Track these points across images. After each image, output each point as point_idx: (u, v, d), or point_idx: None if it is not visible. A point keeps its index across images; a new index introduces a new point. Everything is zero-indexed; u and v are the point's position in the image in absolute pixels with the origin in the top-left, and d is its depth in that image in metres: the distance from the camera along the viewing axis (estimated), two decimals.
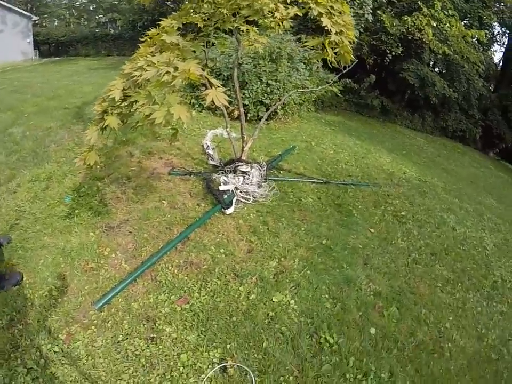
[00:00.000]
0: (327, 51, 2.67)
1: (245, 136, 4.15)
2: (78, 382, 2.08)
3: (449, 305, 3.30)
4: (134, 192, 3.83)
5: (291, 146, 5.99)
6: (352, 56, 2.88)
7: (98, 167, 2.76)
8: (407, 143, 9.87)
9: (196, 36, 2.84)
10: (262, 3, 2.40)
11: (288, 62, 7.02)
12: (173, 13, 2.98)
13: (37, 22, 24.38)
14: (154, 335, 2.38)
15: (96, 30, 25.31)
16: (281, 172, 4.93)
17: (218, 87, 2.07)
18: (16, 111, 6.65)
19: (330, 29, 2.50)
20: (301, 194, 4.36)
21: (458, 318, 3.17)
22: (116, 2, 26.61)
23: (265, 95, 6.68)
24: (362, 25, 9.51)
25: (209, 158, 4.76)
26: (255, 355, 2.36)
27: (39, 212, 3.46)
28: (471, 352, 2.87)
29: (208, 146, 5.05)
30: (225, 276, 2.92)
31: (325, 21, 2.46)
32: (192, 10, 2.86)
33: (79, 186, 3.88)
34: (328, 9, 2.47)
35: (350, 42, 2.72)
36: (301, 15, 2.52)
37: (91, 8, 30.09)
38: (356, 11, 8.96)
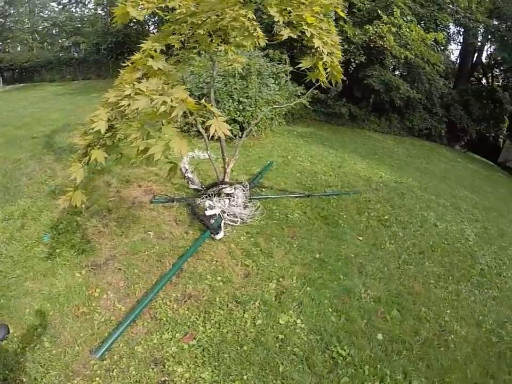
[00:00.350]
0: (319, 72, 2.68)
1: (226, 158, 4.08)
2: None
3: (445, 299, 3.42)
4: (117, 225, 3.68)
5: (269, 162, 5.97)
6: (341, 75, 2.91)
7: (83, 206, 2.60)
8: (378, 147, 10.09)
9: (179, 58, 2.76)
10: (243, 24, 2.37)
11: (258, 78, 7.05)
12: (151, 35, 2.88)
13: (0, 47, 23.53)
14: (166, 378, 2.26)
15: (60, 54, 24.43)
16: (264, 189, 4.89)
17: (219, 115, 1.98)
18: None
19: (322, 50, 2.50)
20: (287, 210, 4.34)
21: (455, 310, 3.30)
22: (79, 26, 25.99)
23: (238, 112, 6.68)
24: None
25: (190, 182, 4.65)
26: (274, 381, 2.31)
27: (17, 254, 3.24)
28: (473, 340, 3.00)
29: (186, 170, 4.93)
30: (227, 305, 2.84)
31: (317, 42, 2.46)
32: (172, 32, 2.76)
33: (57, 222, 3.68)
34: (318, 30, 2.47)
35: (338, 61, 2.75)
36: (295, 37, 2.51)
37: (54, 32, 29.23)
38: None
